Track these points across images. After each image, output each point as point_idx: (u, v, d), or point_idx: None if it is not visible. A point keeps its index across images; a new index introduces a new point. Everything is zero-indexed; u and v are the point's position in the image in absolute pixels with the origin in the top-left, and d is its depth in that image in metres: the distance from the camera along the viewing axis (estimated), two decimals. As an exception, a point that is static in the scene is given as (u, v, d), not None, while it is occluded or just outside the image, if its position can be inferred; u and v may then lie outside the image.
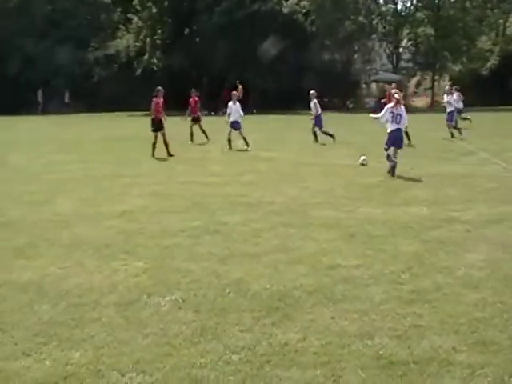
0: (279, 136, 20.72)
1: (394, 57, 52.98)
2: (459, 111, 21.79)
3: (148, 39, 44.15)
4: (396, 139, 11.89)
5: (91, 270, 5.96)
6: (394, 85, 17.34)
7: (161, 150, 15.36)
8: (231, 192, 10.16)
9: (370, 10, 51.20)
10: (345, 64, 49.57)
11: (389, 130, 11.99)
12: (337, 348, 4.17)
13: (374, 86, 54.94)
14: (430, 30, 50.46)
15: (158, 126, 15.62)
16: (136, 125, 27.53)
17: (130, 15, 45.87)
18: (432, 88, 51.28)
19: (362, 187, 10.55)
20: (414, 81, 54.79)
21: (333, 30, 46.57)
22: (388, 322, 4.58)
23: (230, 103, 17.53)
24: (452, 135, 19.53)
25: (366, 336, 4.32)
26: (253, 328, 4.51)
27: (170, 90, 38.29)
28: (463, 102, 23.57)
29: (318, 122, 18.65)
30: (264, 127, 27.42)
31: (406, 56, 53.67)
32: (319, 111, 18.60)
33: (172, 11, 44.10)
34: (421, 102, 51.76)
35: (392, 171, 11.63)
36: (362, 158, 13.46)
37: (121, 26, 47.31)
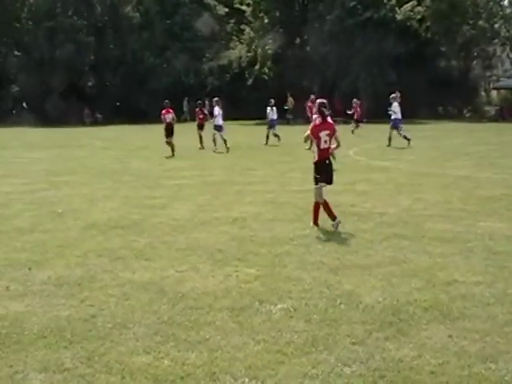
0: (394, 145, 20.20)
1: (519, 62, 49.73)
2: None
3: (259, 49, 45.09)
4: None
5: (206, 274, 6.16)
6: None
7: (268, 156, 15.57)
8: (342, 201, 10.05)
9: (491, 13, 48.54)
10: (462, 71, 47.34)
11: None
12: (455, 369, 3.96)
13: (494, 93, 51.95)
14: (562, 32, 46.81)
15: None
16: (248, 133, 28.18)
17: (242, 26, 47.13)
18: (561, 95, 47.42)
19: (482, 200, 9.99)
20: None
21: (449, 35, 44.72)
22: (514, 345, 4.28)
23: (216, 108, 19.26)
24: None
25: (489, 359, 4.07)
26: (365, 341, 4.42)
27: (279, 98, 38.75)
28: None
29: (396, 123, 19.97)
30: (378, 136, 26.91)
31: (533, 61, 50.16)
32: (397, 114, 19.95)
33: (283, 21, 44.69)
34: None
35: None
36: None
37: (233, 37, 48.76)
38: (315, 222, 8.21)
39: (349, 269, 6.21)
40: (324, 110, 8.11)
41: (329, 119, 8.21)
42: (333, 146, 8.38)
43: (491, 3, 48.60)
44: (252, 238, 7.61)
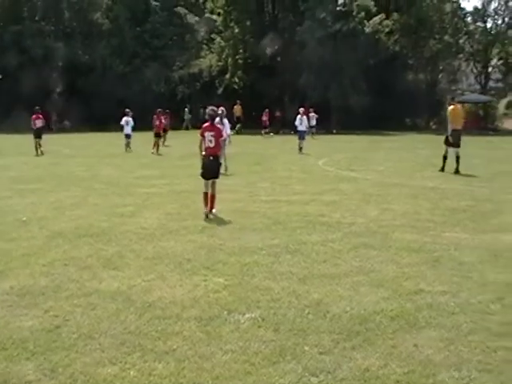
0: (363, 156, 20.48)
1: (482, 77, 51.15)
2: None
3: (230, 58, 45.22)
4: None
5: (173, 283, 6.11)
6: None
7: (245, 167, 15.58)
8: (311, 211, 10.12)
9: (456, 29, 49.83)
10: (429, 84, 48.42)
11: None
12: (421, 377, 4.01)
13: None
14: (524, 49, 48.33)
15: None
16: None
17: (213, 35, 47.25)
18: (524, 109, 48.89)
19: (448, 211, 10.18)
20: (504, 102, 52.45)
21: (417, 49, 45.73)
22: (477, 354, 4.35)
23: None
24: None
25: (453, 367, 4.14)
26: (332, 351, 4.44)
27: (251, 108, 38.93)
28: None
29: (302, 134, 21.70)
30: (347, 147, 27.26)
31: (496, 76, 51.60)
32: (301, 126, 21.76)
33: (254, 31, 44.97)
34: (512, 124, 49.43)
35: None
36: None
37: (204, 46, 48.83)
38: (210, 210, 9.67)
39: (317, 278, 6.24)
40: (212, 114, 9.93)
41: (216, 123, 10.09)
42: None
43: (456, 19, 49.93)
44: (221, 247, 7.58)
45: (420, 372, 4.08)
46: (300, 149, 22.84)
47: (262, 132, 34.92)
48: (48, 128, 39.85)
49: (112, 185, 13.77)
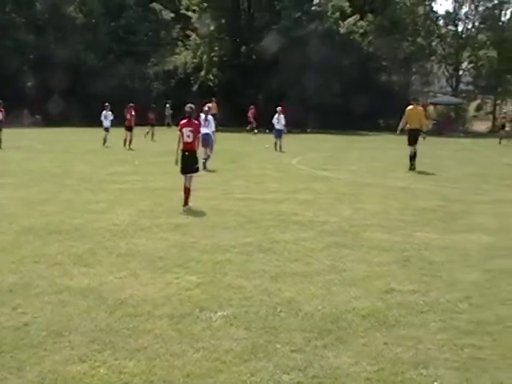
0: (336, 155, 20.66)
1: (454, 79, 52.04)
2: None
3: (205, 56, 45.05)
4: None
5: (146, 280, 6.07)
6: None
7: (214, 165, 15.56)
8: (284, 210, 10.16)
9: (429, 32, 50.60)
10: (402, 85, 49.03)
11: None
12: (390, 375, 4.07)
13: (431, 108, 53.97)
14: (493, 53, 49.36)
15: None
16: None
17: (188, 32, 47.02)
18: (493, 112, 49.95)
19: (419, 211, 10.34)
20: (474, 105, 53.53)
21: (390, 51, 46.25)
22: (444, 351, 4.44)
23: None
24: None
25: (421, 365, 4.21)
26: (304, 349, 4.47)
27: (227, 106, 38.87)
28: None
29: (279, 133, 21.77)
30: (322, 146, 27.43)
31: (467, 79, 52.60)
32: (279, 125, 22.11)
33: (229, 29, 44.90)
34: (481, 126, 50.51)
35: None
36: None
37: (179, 43, 48.54)
38: (185, 204, 10.01)
39: (289, 277, 6.27)
40: (190, 111, 10.18)
41: (193, 119, 10.37)
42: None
43: (428, 22, 50.69)
44: (193, 245, 7.56)
45: (389, 370, 4.14)
46: (276, 146, 23.00)
47: (247, 128, 35.58)
48: (17, 123, 39.09)
49: (84, 181, 13.59)
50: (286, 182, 14.18)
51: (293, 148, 23.33)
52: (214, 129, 16.59)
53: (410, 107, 17.49)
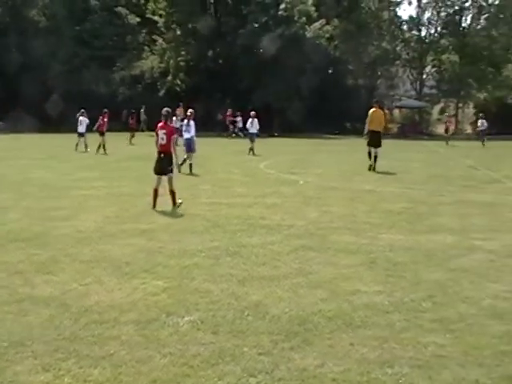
0: (304, 159, 20.78)
1: (418, 83, 53.05)
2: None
3: (172, 61, 44.81)
4: None
5: (111, 287, 5.99)
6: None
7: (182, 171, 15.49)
8: (252, 214, 10.17)
9: (394, 36, 51.49)
10: (368, 89, 49.70)
11: None
12: (356, 375, 4.11)
13: (397, 111, 54.91)
14: (455, 57, 50.58)
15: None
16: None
17: (154, 36, 46.69)
18: (456, 115, 51.10)
19: (384, 213, 10.48)
20: (437, 108, 54.66)
21: (356, 55, 46.87)
22: (409, 350, 4.51)
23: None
24: None
25: (386, 364, 4.26)
26: (271, 351, 4.47)
27: (194, 110, 38.84)
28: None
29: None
30: (289, 150, 27.57)
31: (430, 83, 53.71)
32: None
33: (196, 33, 44.77)
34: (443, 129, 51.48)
35: None
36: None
37: (146, 47, 48.17)
38: (173, 205, 10.40)
39: (257, 280, 6.28)
40: (166, 114, 10.73)
41: (169, 123, 10.92)
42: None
43: (393, 27, 51.60)
44: (160, 250, 7.50)
45: (355, 370, 4.18)
46: (250, 150, 23.20)
47: (226, 134, 36.61)
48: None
49: (47, 187, 13.34)
50: (253, 186, 14.20)
51: (260, 152, 23.38)
52: (193, 133, 16.82)
53: (373, 110, 17.90)
